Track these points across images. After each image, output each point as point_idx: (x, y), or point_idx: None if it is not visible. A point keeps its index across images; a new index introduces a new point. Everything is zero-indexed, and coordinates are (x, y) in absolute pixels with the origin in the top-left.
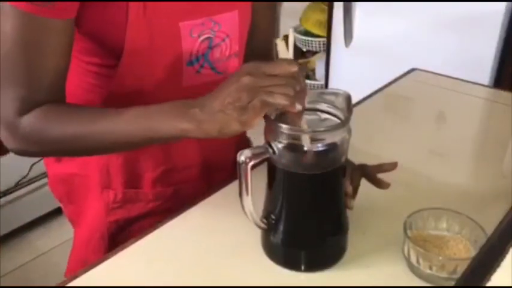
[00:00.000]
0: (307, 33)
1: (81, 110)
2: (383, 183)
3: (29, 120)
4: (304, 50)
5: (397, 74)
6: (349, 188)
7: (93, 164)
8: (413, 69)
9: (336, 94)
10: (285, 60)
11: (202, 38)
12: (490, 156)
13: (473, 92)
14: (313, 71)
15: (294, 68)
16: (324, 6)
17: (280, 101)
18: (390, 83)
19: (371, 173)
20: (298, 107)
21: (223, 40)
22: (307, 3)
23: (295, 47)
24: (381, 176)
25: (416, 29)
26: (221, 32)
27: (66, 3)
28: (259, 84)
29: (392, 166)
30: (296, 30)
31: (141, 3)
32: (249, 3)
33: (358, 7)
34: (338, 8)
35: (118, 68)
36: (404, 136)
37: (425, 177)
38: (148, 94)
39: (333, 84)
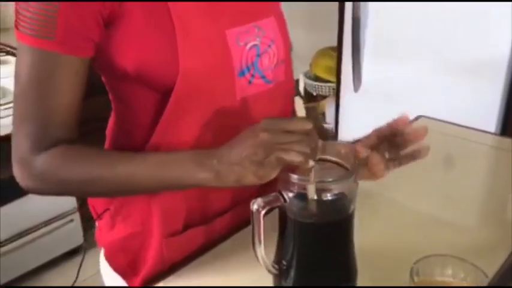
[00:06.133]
0: (317, 78)
1: (100, 153)
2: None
3: (44, 159)
4: (315, 94)
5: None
6: (362, 150)
7: (154, 214)
8: (419, 116)
9: (342, 145)
10: (300, 117)
11: (249, 45)
12: (494, 202)
13: (480, 139)
14: (323, 114)
15: (309, 126)
16: (333, 52)
17: (295, 158)
18: None
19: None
20: (311, 163)
21: (269, 46)
22: (316, 50)
23: (306, 91)
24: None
25: (423, 74)
26: (266, 38)
27: (75, 37)
28: (276, 141)
29: (424, 153)
30: (306, 75)
31: (185, 18)
32: (281, 11)
33: (366, 53)
34: (347, 54)
35: (173, 93)
36: (413, 180)
37: (433, 220)
38: (204, 112)
39: (343, 127)
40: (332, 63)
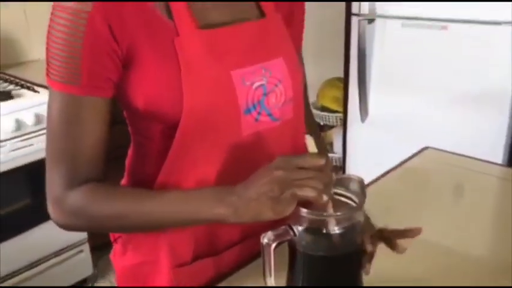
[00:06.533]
0: (324, 108)
1: (127, 191)
2: (400, 248)
3: (76, 197)
4: (322, 123)
5: (412, 147)
6: (369, 246)
7: (162, 246)
8: (426, 148)
9: (350, 179)
10: (314, 154)
11: (255, 85)
12: (503, 232)
13: (487, 170)
14: (330, 144)
15: (322, 162)
16: (339, 83)
17: (310, 193)
18: (404, 161)
19: (390, 237)
20: (325, 198)
21: (276, 85)
22: (323, 80)
23: None
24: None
25: (429, 105)
26: (273, 78)
27: (97, 81)
28: (290, 177)
29: (416, 232)
30: (313, 105)
31: (190, 58)
32: (293, 50)
33: (372, 84)
34: (353, 85)
35: (178, 129)
36: (421, 211)
37: (443, 251)
38: (210, 148)
39: (350, 156)
40: (339, 93)
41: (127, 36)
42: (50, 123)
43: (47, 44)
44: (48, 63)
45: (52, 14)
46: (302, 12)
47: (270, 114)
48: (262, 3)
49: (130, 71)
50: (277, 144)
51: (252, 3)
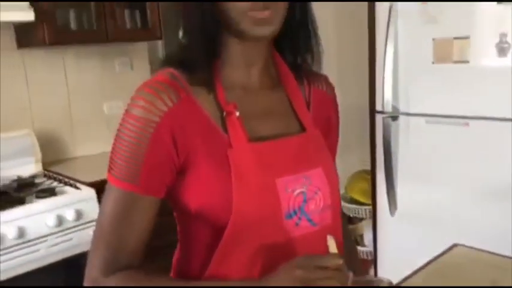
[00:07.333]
0: (352, 200)
1: (162, 279)
2: None
3: (114, 282)
4: (351, 216)
5: (442, 242)
6: None
7: None
8: (455, 245)
9: (380, 281)
10: (332, 254)
11: (296, 192)
12: None
13: None
14: (361, 236)
15: (340, 262)
16: (367, 175)
17: None
18: (434, 259)
19: None
20: None
21: (316, 193)
22: (351, 173)
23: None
24: None
25: (458, 198)
26: (312, 186)
27: (153, 183)
28: (309, 277)
29: None
30: (342, 197)
31: (240, 167)
32: (331, 161)
33: (399, 177)
34: (380, 178)
35: (226, 231)
36: None
37: None
38: (253, 249)
39: (381, 250)
40: (367, 185)
41: (186, 146)
42: (102, 214)
43: (114, 144)
44: (111, 160)
45: (123, 119)
46: (337, 126)
47: (309, 220)
48: (303, 119)
49: (185, 177)
50: (316, 248)
51: (294, 119)
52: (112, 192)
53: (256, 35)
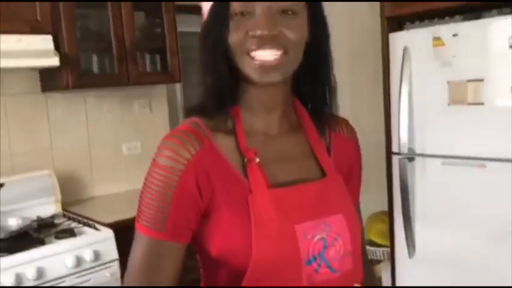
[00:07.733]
0: (371, 242)
1: None
2: None
3: None
4: (369, 258)
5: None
6: None
7: None
8: None
9: None
10: None
11: (316, 238)
12: None
13: None
14: (379, 278)
15: None
16: (385, 217)
17: None
18: None
19: None
20: None
21: (336, 239)
22: (368, 214)
23: None
24: None
25: (476, 239)
26: (332, 232)
27: (180, 229)
28: None
29: None
30: None
31: (260, 213)
32: (352, 207)
33: (417, 219)
34: (398, 220)
35: (245, 275)
36: None
37: None
38: None
39: None
40: (385, 227)
41: (209, 191)
42: (131, 262)
43: (141, 193)
44: (139, 209)
45: (150, 168)
46: (359, 170)
47: (329, 266)
48: (324, 164)
49: (208, 222)
50: None
51: (315, 164)
52: (140, 240)
53: (263, 81)
